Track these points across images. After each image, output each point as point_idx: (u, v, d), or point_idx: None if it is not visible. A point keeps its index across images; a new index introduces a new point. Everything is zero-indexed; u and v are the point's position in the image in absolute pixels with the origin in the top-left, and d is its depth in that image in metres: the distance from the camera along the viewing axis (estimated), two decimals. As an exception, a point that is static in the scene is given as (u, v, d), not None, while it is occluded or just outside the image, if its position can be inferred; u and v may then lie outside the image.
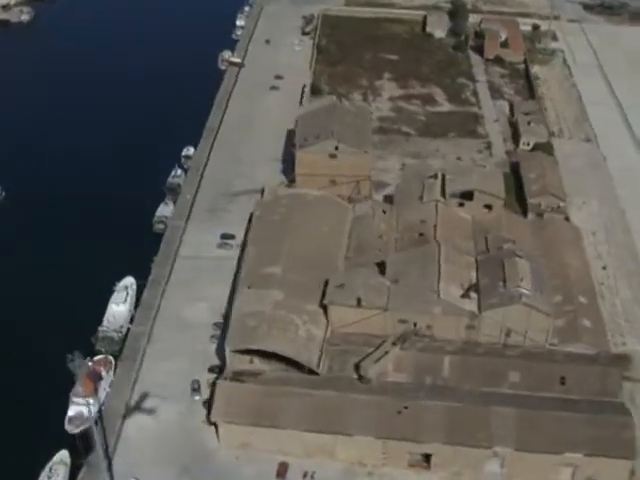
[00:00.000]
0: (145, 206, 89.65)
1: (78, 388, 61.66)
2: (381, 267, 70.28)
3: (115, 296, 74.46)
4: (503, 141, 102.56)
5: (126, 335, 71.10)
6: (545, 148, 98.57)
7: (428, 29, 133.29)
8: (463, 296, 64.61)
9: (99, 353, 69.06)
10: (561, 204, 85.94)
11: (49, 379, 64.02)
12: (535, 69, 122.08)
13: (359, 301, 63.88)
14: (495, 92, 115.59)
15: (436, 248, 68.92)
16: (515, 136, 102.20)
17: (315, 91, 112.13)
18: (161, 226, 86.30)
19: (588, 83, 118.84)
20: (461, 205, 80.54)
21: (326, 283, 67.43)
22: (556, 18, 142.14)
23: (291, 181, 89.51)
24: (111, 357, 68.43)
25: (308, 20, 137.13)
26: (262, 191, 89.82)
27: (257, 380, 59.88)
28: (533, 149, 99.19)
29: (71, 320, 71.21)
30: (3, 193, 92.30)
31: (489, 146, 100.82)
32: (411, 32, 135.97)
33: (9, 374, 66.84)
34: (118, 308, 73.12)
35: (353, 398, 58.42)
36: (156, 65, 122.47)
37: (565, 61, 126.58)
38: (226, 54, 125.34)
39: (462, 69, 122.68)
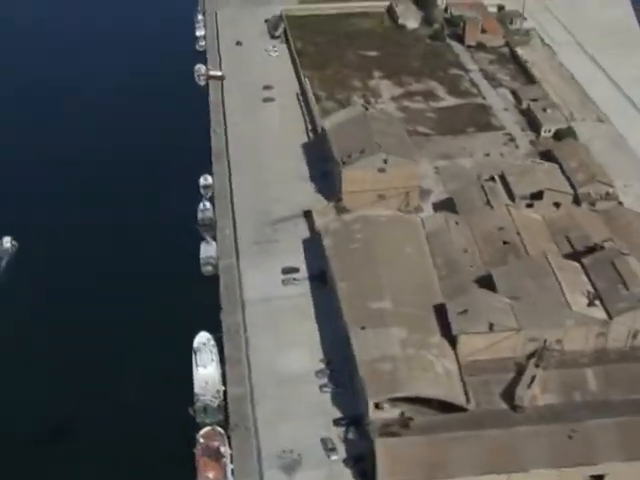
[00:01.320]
0: (183, 248, 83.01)
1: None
2: (482, 283, 68.06)
3: (198, 358, 67.87)
4: (522, 131, 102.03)
5: (225, 400, 65.19)
6: (567, 134, 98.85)
7: (400, 20, 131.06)
8: (589, 305, 63.33)
9: (203, 426, 62.71)
10: (610, 190, 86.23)
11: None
12: (518, 52, 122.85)
13: (491, 326, 61.21)
14: (491, 80, 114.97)
15: (543, 257, 67.17)
16: (533, 125, 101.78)
17: (306, 98, 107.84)
18: (209, 268, 79.98)
19: (574, 62, 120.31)
20: (529, 206, 79.27)
21: (438, 310, 64.52)
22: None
23: (337, 201, 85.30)
24: (219, 428, 62.28)
25: (274, 23, 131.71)
26: (305, 215, 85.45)
27: (415, 430, 56.13)
28: (555, 136, 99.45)
29: (155, 394, 64.74)
30: (14, 245, 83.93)
31: (512, 138, 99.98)
32: (381, 25, 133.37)
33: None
34: (206, 371, 66.66)
35: (522, 432, 55.91)
36: (127, 90, 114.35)
37: (542, 40, 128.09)
38: (202, 68, 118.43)
39: (449, 59, 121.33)
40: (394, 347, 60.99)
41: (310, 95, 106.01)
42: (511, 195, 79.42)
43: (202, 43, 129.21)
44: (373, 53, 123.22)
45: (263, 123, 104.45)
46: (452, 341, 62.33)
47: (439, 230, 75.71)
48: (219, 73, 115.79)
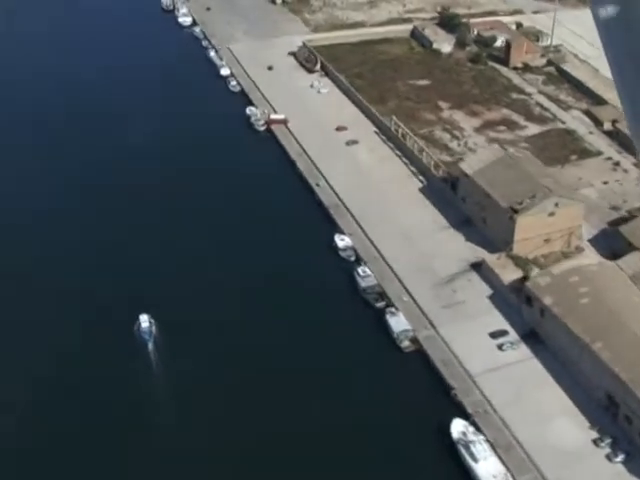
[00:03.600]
0: (365, 323, 77.22)
1: None
2: None
3: (471, 451, 62.83)
4: (618, 154, 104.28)
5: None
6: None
7: (435, 45, 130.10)
8: None
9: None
10: None
11: None
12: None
13: None
14: (556, 102, 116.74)
15: None
16: (625, 146, 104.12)
17: (394, 137, 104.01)
18: (407, 343, 74.19)
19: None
20: None
21: None
22: (519, 12, 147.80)
23: (509, 249, 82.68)
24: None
25: (306, 57, 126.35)
26: (475, 266, 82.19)
27: None
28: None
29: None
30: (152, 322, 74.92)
31: (617, 163, 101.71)
32: (412, 51, 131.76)
33: None
34: (487, 464, 62.00)
35: None
36: (180, 151, 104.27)
37: (576, 56, 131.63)
38: (257, 112, 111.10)
39: (503, 83, 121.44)
40: None
41: (404, 135, 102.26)
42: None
43: (234, 83, 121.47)
44: (424, 82, 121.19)
45: (360, 169, 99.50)
46: None
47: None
48: (281, 117, 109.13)
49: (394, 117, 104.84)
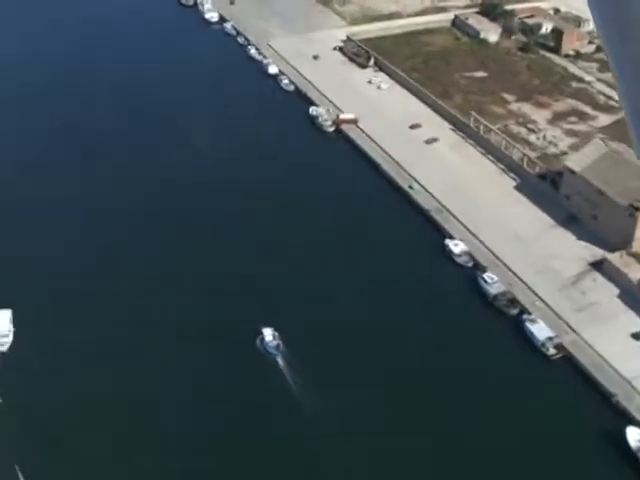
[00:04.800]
0: (500, 329, 76.46)
1: None
2: None
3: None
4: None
5: None
6: None
7: (482, 35, 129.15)
8: None
9: None
10: None
11: None
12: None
13: None
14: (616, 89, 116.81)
15: None
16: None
17: (474, 134, 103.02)
18: (553, 351, 73.83)
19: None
20: None
21: None
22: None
23: (628, 247, 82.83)
24: None
25: (356, 52, 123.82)
26: (596, 265, 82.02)
27: None
28: None
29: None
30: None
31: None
32: (460, 41, 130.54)
33: None
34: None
35: None
36: (256, 161, 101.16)
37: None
38: (323, 113, 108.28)
39: (559, 72, 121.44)
40: None
41: (486, 131, 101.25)
42: None
43: (286, 82, 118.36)
44: (480, 74, 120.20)
45: (448, 169, 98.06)
46: None
47: None
48: (351, 116, 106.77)
49: (474, 113, 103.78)
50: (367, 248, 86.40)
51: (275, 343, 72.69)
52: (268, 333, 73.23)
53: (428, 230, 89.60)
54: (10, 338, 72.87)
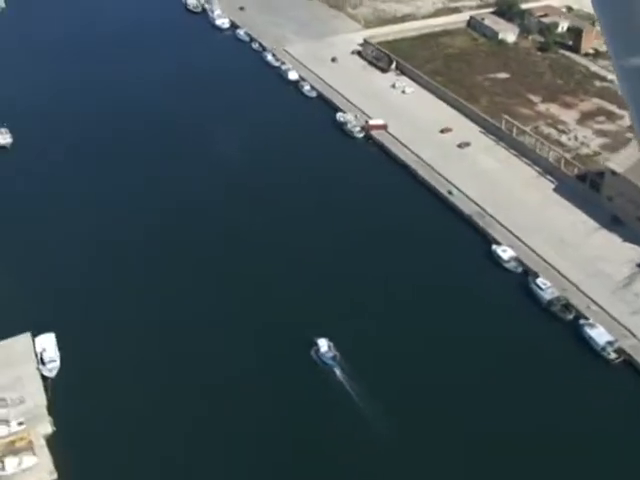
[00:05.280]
0: (560, 335, 76.24)
1: None
2: None
3: None
4: None
5: None
6: None
7: (501, 35, 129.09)
8: None
9: None
10: None
11: None
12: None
13: None
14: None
15: None
16: None
17: (506, 137, 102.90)
18: (613, 355, 73.60)
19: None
20: None
21: None
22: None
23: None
24: None
25: (375, 55, 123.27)
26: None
27: None
28: None
29: None
30: None
31: None
32: (477, 42, 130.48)
33: None
34: None
35: None
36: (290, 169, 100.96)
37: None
38: (352, 119, 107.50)
39: (581, 71, 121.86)
40: None
41: (519, 133, 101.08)
42: None
43: (307, 88, 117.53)
44: (503, 75, 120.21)
45: (485, 173, 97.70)
46: None
47: None
48: (381, 122, 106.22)
49: (506, 116, 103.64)
50: (413, 255, 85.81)
51: (332, 354, 71.97)
52: (323, 344, 72.39)
53: (471, 236, 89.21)
54: (58, 363, 71.28)
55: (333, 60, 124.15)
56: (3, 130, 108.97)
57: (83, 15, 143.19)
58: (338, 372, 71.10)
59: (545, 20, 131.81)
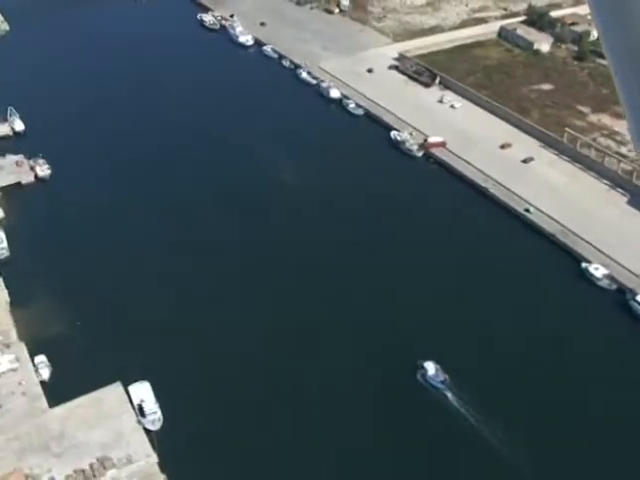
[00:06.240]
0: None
1: None
2: None
3: None
4: None
5: None
6: None
7: (536, 46, 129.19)
8: None
9: None
10: None
11: None
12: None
13: None
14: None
15: None
16: None
17: (569, 150, 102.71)
18: None
19: None
20: None
21: None
22: (581, 2, 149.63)
23: None
24: None
25: (415, 70, 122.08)
26: None
27: None
28: None
29: None
30: None
31: None
32: (512, 53, 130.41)
33: None
34: None
35: None
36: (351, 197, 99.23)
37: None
38: (408, 137, 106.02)
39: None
40: None
41: (583, 146, 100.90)
42: None
43: (352, 105, 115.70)
44: (547, 86, 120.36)
45: (555, 188, 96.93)
46: None
47: None
48: (440, 139, 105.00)
49: (568, 129, 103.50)
50: (503, 275, 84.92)
51: (441, 377, 70.66)
52: (431, 367, 71.10)
53: (556, 254, 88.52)
54: (159, 414, 67.79)
55: (369, 71, 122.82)
56: (41, 161, 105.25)
57: (97, 42, 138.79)
58: (450, 396, 69.73)
59: (576, 28, 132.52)
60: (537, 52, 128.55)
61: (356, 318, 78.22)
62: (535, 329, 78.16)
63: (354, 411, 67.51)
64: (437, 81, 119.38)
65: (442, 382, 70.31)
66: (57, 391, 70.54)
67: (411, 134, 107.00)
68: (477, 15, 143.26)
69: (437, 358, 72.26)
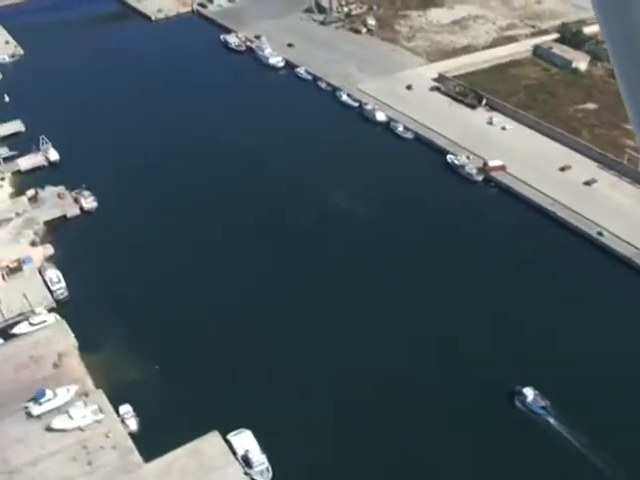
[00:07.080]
0: None
1: None
2: None
3: None
4: None
5: None
6: None
7: (574, 64, 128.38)
8: None
9: None
10: None
11: None
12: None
13: None
14: None
15: None
16: None
17: (630, 171, 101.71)
18: None
19: None
20: None
21: None
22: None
23: None
24: None
25: (458, 91, 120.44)
26: None
27: None
28: None
29: None
30: None
31: None
32: (550, 72, 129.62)
33: None
34: None
35: None
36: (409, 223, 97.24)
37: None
38: (467, 161, 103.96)
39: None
40: None
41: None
42: None
43: (401, 129, 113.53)
44: (591, 106, 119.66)
45: (623, 211, 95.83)
46: None
47: None
48: (499, 162, 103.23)
49: (629, 150, 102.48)
50: (585, 300, 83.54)
51: (541, 404, 69.16)
52: (530, 393, 69.74)
53: (634, 279, 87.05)
54: (267, 465, 64.18)
55: (410, 91, 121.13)
56: (86, 193, 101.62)
57: (115, 65, 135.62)
58: (552, 421, 68.04)
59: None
60: (575, 70, 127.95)
61: (448, 347, 76.23)
62: (629, 363, 76.39)
63: (453, 440, 66.07)
64: (483, 102, 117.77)
65: (542, 408, 69.15)
66: (148, 443, 67.28)
67: (468, 157, 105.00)
68: (506, 33, 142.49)
69: (535, 384, 70.79)
